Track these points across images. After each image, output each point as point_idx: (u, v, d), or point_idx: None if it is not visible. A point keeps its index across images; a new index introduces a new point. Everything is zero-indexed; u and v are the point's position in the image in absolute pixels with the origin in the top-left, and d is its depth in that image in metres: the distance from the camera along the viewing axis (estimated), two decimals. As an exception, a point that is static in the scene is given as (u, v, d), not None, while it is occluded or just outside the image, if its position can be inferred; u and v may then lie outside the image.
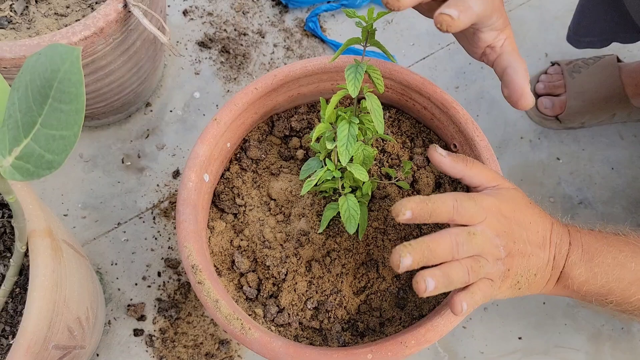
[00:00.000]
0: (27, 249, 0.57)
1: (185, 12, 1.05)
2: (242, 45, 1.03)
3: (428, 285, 0.47)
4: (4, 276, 0.63)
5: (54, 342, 0.58)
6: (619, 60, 0.99)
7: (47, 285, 0.55)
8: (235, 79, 1.01)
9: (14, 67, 0.66)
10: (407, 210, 0.48)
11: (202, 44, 1.03)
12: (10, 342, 0.60)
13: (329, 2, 1.05)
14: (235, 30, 1.04)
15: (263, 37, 1.04)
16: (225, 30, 1.04)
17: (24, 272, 0.62)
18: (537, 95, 1.01)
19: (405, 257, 0.46)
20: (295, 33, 1.05)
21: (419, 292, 0.47)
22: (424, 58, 1.06)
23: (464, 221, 0.50)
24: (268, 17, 1.06)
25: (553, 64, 1.03)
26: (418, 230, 0.65)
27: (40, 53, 0.41)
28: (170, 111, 0.99)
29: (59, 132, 0.42)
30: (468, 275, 0.49)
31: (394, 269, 0.53)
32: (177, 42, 1.03)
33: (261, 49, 1.04)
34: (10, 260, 0.58)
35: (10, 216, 0.65)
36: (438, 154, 0.55)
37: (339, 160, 0.58)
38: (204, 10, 1.06)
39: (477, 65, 1.05)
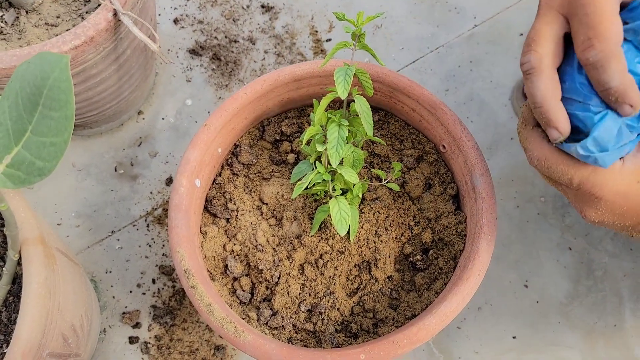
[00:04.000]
0: (20, 257, 0.58)
1: (175, 21, 1.06)
2: (233, 52, 1.04)
3: None
4: (-3, 285, 0.63)
5: (48, 350, 0.58)
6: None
7: (41, 293, 0.55)
8: (226, 85, 1.02)
9: (4, 77, 0.67)
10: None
11: (193, 52, 1.03)
12: (5, 351, 0.60)
13: None
14: (225, 37, 1.05)
15: (254, 44, 1.05)
16: (216, 37, 1.05)
17: (17, 280, 0.63)
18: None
19: None
20: (285, 39, 1.06)
21: None
22: (413, 62, 1.07)
23: None
24: (258, 24, 1.07)
25: None
26: (410, 231, 0.66)
27: (29, 61, 0.42)
28: (163, 119, 0.99)
29: (49, 139, 0.42)
30: None
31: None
32: (168, 50, 1.03)
33: (252, 56, 1.04)
34: (3, 269, 0.58)
35: (2, 225, 0.65)
36: None
37: (329, 163, 0.58)
38: (195, 18, 1.06)
39: (467, 68, 1.06)
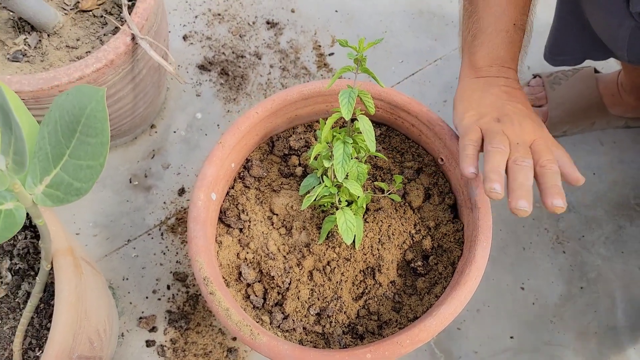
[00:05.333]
0: (51, 268, 0.62)
1: (185, 37, 1.11)
2: (240, 67, 1.09)
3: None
4: (28, 293, 0.68)
5: (77, 353, 0.63)
6: (596, 71, 1.05)
7: (72, 300, 0.60)
8: (234, 99, 1.07)
9: (32, 99, 0.72)
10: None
11: (202, 67, 1.08)
12: (37, 354, 0.65)
13: None
14: (233, 53, 1.10)
15: (260, 59, 1.10)
16: (223, 53, 1.10)
17: (46, 289, 0.67)
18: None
19: None
20: (290, 54, 1.11)
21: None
22: (413, 74, 1.11)
23: None
24: (264, 40, 1.12)
25: (535, 76, 1.09)
26: (411, 239, 0.71)
27: (68, 93, 0.47)
28: (174, 132, 1.04)
29: (86, 162, 0.47)
30: None
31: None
32: (179, 65, 1.08)
33: (258, 70, 1.09)
34: (37, 277, 0.63)
35: (33, 238, 0.70)
36: None
37: (335, 177, 0.63)
38: (203, 34, 1.11)
39: (464, 79, 1.11)
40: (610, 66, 1.12)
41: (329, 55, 1.11)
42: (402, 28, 1.15)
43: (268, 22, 1.13)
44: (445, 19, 1.16)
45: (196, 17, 1.12)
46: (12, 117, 0.40)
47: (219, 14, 1.13)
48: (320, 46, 1.12)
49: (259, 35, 1.12)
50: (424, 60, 1.13)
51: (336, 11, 1.15)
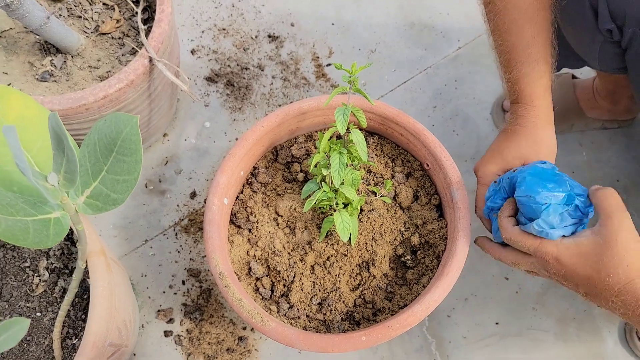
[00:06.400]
0: (86, 266, 0.71)
1: (193, 51, 1.19)
2: (244, 78, 1.18)
3: None
4: (64, 289, 0.77)
5: (109, 340, 0.72)
6: (574, 77, 1.14)
7: (105, 294, 0.69)
8: (240, 108, 1.15)
9: (62, 117, 0.80)
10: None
11: (210, 79, 1.17)
12: (74, 342, 0.74)
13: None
14: (237, 65, 1.19)
15: (262, 70, 1.19)
16: (229, 65, 1.19)
17: (80, 284, 0.76)
18: (504, 112, 1.15)
19: None
20: (290, 65, 1.19)
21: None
22: (404, 82, 1.20)
23: None
24: (266, 52, 1.20)
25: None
26: (401, 236, 0.79)
27: (105, 119, 0.56)
28: (185, 140, 1.13)
29: (122, 177, 0.56)
30: None
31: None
32: (188, 78, 1.17)
33: (261, 81, 1.18)
34: (73, 275, 0.72)
35: (66, 240, 0.79)
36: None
37: (332, 183, 0.72)
38: (210, 48, 1.20)
39: (452, 86, 1.19)
40: (588, 71, 1.20)
41: (327, 65, 1.20)
42: (394, 39, 1.24)
43: (269, 36, 1.22)
44: (434, 29, 1.25)
45: (203, 32, 1.21)
46: (67, 143, 0.48)
47: (224, 29, 1.22)
48: (318, 57, 1.21)
49: (261, 48, 1.21)
50: (415, 69, 1.21)
51: (333, 24, 1.24)
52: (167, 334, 0.99)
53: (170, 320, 1.00)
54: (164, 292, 1.02)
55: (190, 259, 1.04)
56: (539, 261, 0.65)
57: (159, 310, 1.00)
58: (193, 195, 1.08)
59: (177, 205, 1.08)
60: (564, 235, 0.64)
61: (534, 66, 0.72)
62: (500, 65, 0.76)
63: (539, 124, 0.73)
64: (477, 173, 0.75)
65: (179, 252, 1.04)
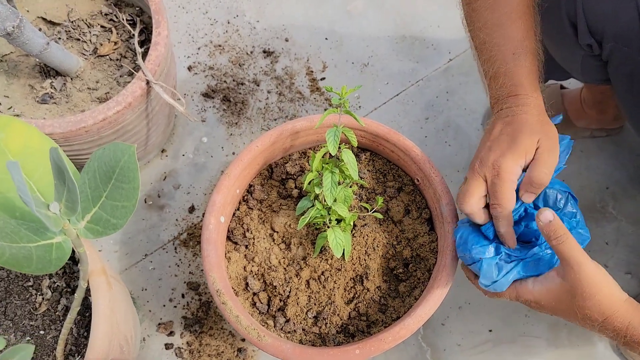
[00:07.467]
0: (88, 285, 0.74)
1: (189, 68, 1.22)
2: (240, 93, 1.20)
3: None
4: (67, 307, 0.79)
5: (111, 357, 0.75)
6: (562, 87, 1.16)
7: (107, 313, 0.72)
8: (236, 123, 1.18)
9: (62, 139, 0.83)
10: None
11: (206, 95, 1.20)
12: (76, 359, 0.76)
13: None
14: (233, 80, 1.21)
15: (258, 85, 1.21)
16: (225, 81, 1.21)
17: (82, 302, 0.79)
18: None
19: None
20: (285, 80, 1.22)
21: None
22: (397, 94, 1.22)
23: None
24: (261, 68, 1.23)
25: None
26: (393, 249, 0.82)
27: (105, 148, 0.58)
28: (183, 155, 1.15)
29: (121, 203, 0.58)
30: None
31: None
32: (185, 94, 1.19)
33: (257, 96, 1.20)
34: (75, 294, 0.74)
35: (69, 259, 0.81)
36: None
37: (325, 201, 0.74)
38: (206, 65, 1.22)
39: (444, 97, 1.22)
40: (576, 82, 1.23)
41: (321, 79, 1.22)
42: (386, 52, 1.26)
43: (265, 51, 1.24)
44: (426, 42, 1.27)
45: (199, 48, 1.24)
46: (67, 175, 0.51)
47: (220, 45, 1.24)
48: (312, 72, 1.23)
49: (256, 63, 1.23)
50: (407, 82, 1.24)
51: (326, 39, 1.26)
52: (167, 346, 1.01)
53: (171, 333, 1.02)
54: (164, 305, 1.04)
55: (190, 272, 1.06)
56: (523, 304, 0.70)
57: (159, 324, 1.03)
58: (192, 209, 1.11)
59: (176, 220, 1.10)
60: (533, 276, 0.68)
61: (531, 59, 0.72)
62: (489, 61, 0.74)
63: (542, 110, 0.72)
64: (499, 170, 0.68)
65: (178, 265, 1.07)
